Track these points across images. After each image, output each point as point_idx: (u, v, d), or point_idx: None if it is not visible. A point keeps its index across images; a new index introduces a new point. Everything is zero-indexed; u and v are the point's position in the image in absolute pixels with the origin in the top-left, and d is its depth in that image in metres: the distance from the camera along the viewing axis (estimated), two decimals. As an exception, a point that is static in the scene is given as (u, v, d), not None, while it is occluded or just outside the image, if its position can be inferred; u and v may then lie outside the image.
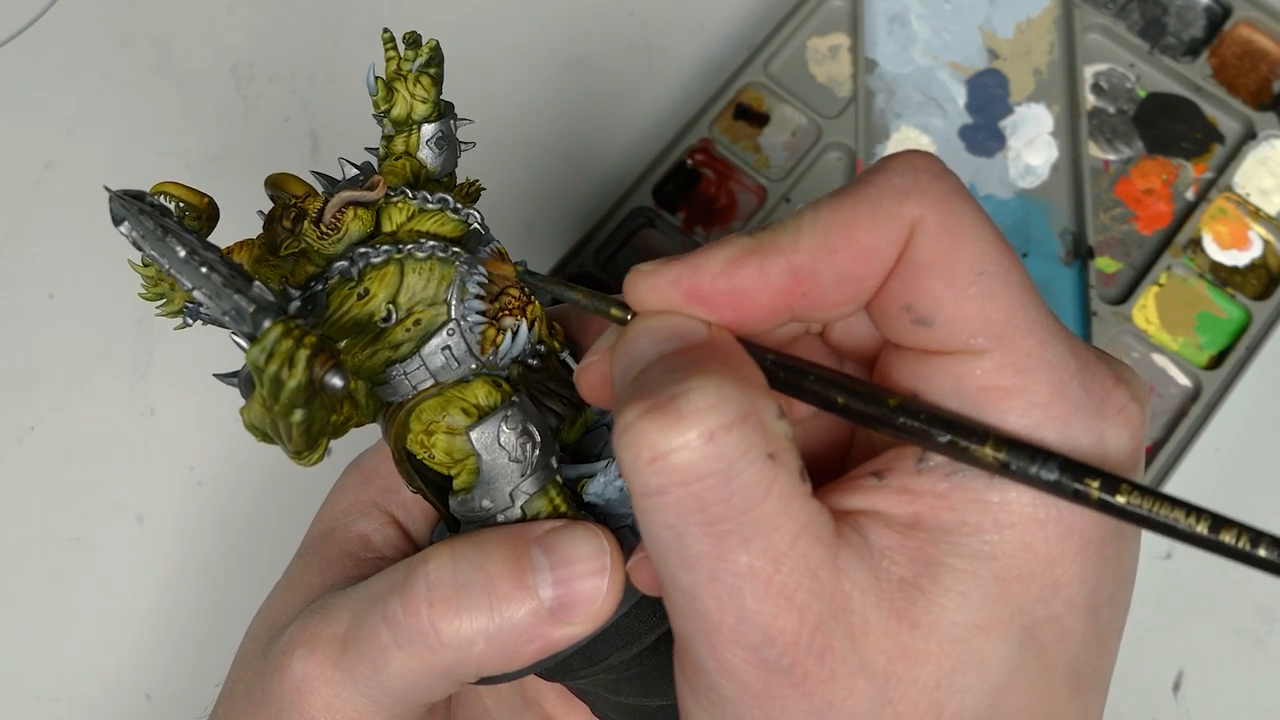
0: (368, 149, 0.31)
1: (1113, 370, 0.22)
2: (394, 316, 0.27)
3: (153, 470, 0.50)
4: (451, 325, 0.27)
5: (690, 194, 0.51)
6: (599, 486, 0.29)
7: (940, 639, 0.20)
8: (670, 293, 0.22)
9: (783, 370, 0.22)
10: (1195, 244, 0.50)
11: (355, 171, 0.30)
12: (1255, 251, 0.50)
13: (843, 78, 0.53)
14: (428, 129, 0.29)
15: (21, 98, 0.57)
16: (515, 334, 0.28)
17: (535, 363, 0.29)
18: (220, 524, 0.50)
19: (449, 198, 0.29)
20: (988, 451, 0.20)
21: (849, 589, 0.20)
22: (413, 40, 0.29)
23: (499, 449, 0.27)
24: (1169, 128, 0.52)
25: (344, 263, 0.27)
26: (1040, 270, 0.50)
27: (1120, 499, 0.20)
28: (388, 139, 0.30)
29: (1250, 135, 0.51)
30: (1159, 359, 0.48)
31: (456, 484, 0.28)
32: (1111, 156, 0.52)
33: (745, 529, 0.20)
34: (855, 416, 0.22)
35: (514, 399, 0.28)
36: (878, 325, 0.23)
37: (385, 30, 0.29)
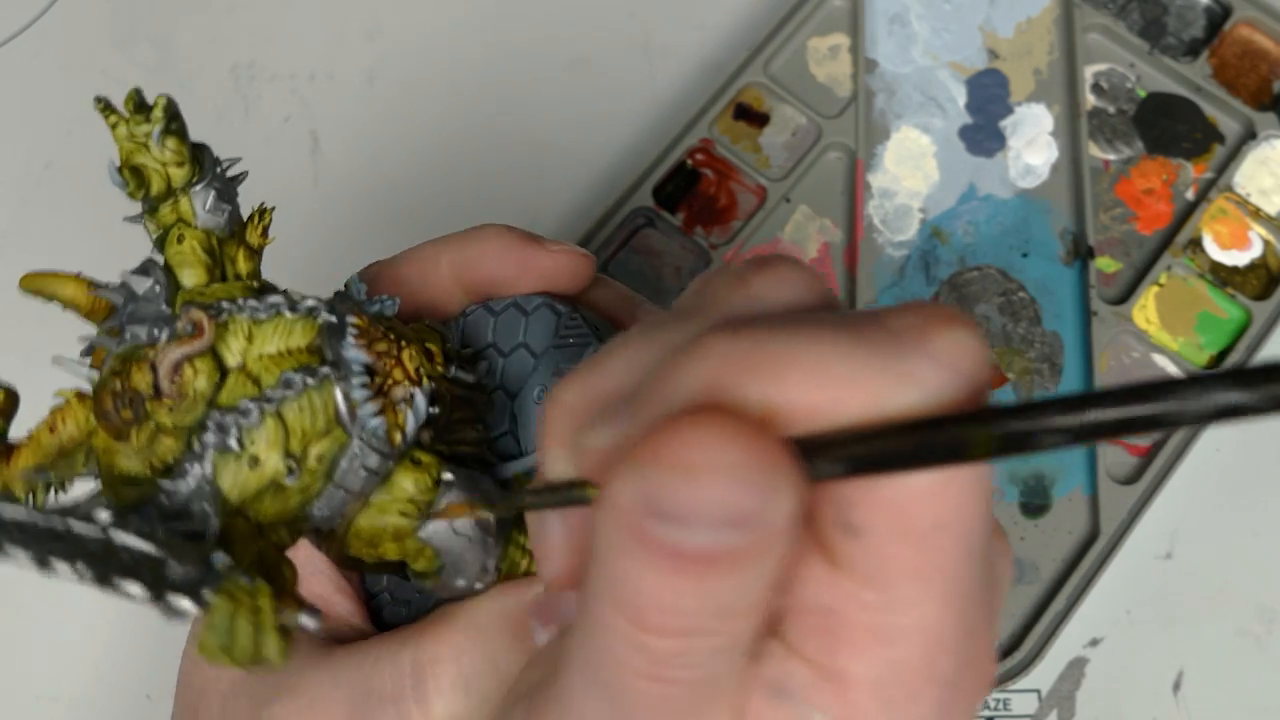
0: (129, 218, 0.27)
1: None
2: (296, 469, 0.24)
3: (153, 470, 0.50)
4: (355, 444, 0.25)
5: (690, 194, 0.51)
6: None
7: None
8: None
9: None
10: (1195, 244, 0.50)
11: (145, 280, 0.26)
12: (1255, 251, 0.50)
13: (843, 78, 0.53)
14: (197, 190, 0.26)
15: (21, 98, 0.57)
16: (412, 402, 0.25)
17: (435, 410, 0.26)
18: (220, 524, 0.49)
19: (280, 297, 0.25)
20: None
21: None
22: (139, 104, 0.25)
23: (455, 537, 0.26)
24: (1169, 128, 0.52)
25: (214, 436, 0.24)
26: (1040, 270, 0.50)
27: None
28: (157, 222, 0.27)
29: (1250, 135, 0.51)
30: (1159, 359, 0.48)
31: (417, 568, 0.27)
32: (1111, 156, 0.52)
33: None
34: None
35: (447, 479, 0.26)
36: None
37: (98, 99, 0.25)
